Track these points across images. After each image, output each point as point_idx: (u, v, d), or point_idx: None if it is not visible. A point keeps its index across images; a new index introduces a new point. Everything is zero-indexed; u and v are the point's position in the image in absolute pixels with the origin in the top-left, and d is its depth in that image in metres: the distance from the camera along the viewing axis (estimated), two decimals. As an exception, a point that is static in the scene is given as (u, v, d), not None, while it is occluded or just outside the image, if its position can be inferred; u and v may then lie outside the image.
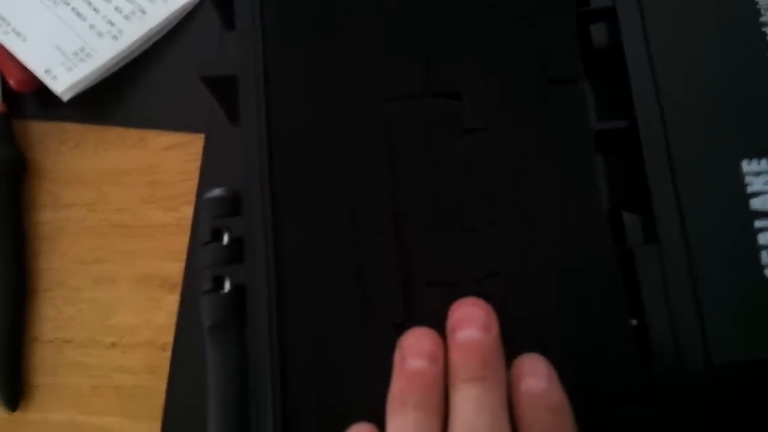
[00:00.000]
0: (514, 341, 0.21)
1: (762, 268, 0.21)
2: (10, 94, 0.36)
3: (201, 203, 0.25)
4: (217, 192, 0.25)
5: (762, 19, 0.23)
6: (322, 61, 0.23)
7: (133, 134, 0.37)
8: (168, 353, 0.34)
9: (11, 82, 0.35)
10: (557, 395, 0.20)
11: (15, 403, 0.34)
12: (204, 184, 0.35)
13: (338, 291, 0.21)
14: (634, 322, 0.22)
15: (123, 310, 0.34)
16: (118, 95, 0.37)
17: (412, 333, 0.21)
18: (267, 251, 0.22)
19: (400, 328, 0.21)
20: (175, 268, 0.34)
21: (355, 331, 0.21)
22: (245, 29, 0.23)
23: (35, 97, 0.37)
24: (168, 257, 0.35)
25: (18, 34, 0.35)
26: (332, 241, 0.22)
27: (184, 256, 0.35)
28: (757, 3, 0.23)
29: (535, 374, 0.20)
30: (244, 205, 0.23)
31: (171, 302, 0.34)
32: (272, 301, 0.22)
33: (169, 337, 0.34)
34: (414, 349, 0.20)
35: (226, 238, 0.25)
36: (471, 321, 0.20)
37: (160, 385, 0.33)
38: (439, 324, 0.21)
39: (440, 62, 0.23)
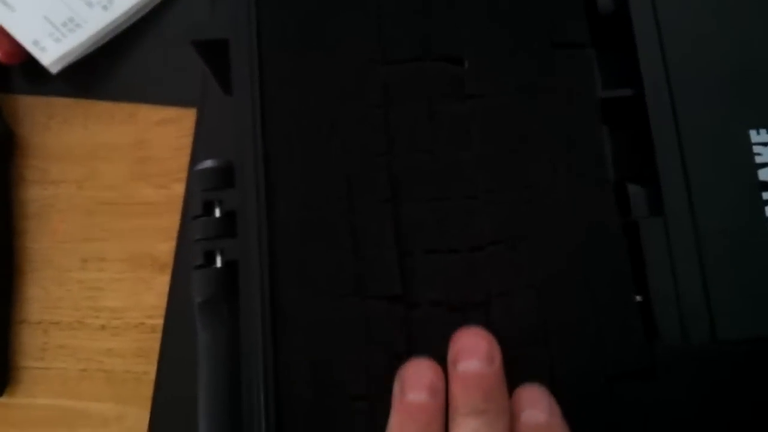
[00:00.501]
0: (515, 317, 0.21)
1: (769, 240, 0.22)
2: (-3, 68, 0.37)
3: (192, 175, 0.26)
4: (208, 163, 0.26)
5: (774, -16, 0.24)
6: (317, 22, 0.24)
7: (123, 109, 0.37)
8: (158, 335, 0.34)
9: (0, 55, 0.36)
10: (558, 426, 0.20)
11: (2, 387, 0.34)
12: (196, 160, 0.36)
13: (334, 263, 0.22)
14: (639, 297, 0.22)
15: (112, 291, 0.35)
16: (108, 68, 0.38)
17: (412, 364, 0.21)
18: (260, 225, 0.23)
19: (398, 301, 0.21)
20: (166, 248, 0.35)
21: (352, 303, 0.21)
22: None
23: (23, 70, 0.38)
24: (159, 236, 0.35)
25: (6, 3, 0.36)
26: (327, 211, 0.22)
27: (175, 235, 0.35)
28: (769, -32, 0.24)
29: (536, 406, 0.20)
30: (236, 176, 0.24)
31: (161, 283, 0.35)
32: (265, 278, 0.22)
33: (159, 320, 0.35)
34: (414, 382, 0.20)
35: (218, 212, 0.25)
36: (473, 352, 0.20)
37: (150, 369, 0.34)
38: (436, 294, 0.21)
39: (441, 25, 0.23)
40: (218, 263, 0.25)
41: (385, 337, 0.21)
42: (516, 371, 0.21)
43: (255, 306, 0.22)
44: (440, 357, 0.21)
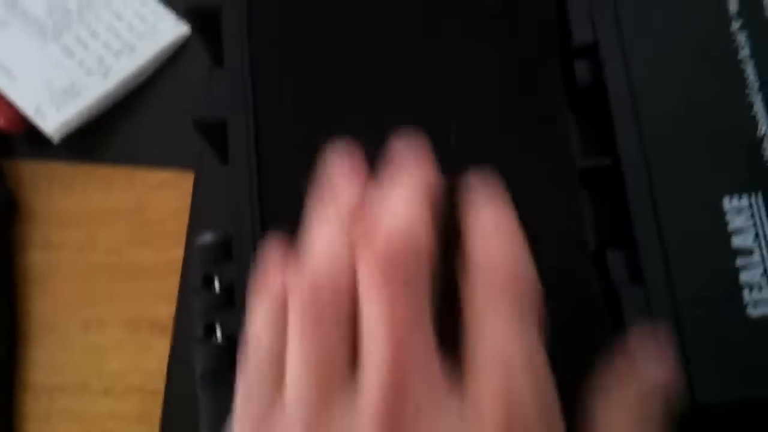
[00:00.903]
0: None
1: (744, 305, 0.24)
2: (-1, 135, 0.40)
3: (192, 249, 0.28)
4: (207, 237, 0.28)
5: (741, 54, 0.26)
6: (311, 103, 0.26)
7: (121, 173, 0.40)
8: (160, 399, 0.36)
9: (2, 123, 0.39)
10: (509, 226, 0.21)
11: (6, 452, 0.37)
12: (194, 223, 0.38)
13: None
14: (621, 361, 0.24)
15: (114, 354, 0.37)
16: (107, 132, 0.40)
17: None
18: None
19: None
20: (166, 311, 0.37)
21: None
22: (234, 70, 0.26)
23: (24, 136, 0.40)
24: (158, 299, 0.38)
25: (7, 72, 0.38)
26: None
27: (174, 299, 0.38)
28: (736, 41, 0.26)
29: (487, 207, 0.21)
30: (234, 251, 0.26)
31: (162, 346, 0.37)
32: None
33: (160, 383, 0.37)
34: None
35: (217, 285, 0.28)
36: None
37: (153, 431, 0.36)
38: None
39: (425, 99, 0.26)
40: (218, 336, 0.27)
41: None
42: None
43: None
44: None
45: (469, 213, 0.21)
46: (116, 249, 0.39)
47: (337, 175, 0.22)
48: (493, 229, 0.20)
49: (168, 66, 0.41)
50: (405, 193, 0.20)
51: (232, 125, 0.27)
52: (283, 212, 0.26)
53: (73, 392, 0.37)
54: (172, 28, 0.40)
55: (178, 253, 0.38)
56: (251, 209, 0.26)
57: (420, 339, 0.18)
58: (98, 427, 0.36)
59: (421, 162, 0.21)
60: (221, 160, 0.31)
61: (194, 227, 0.38)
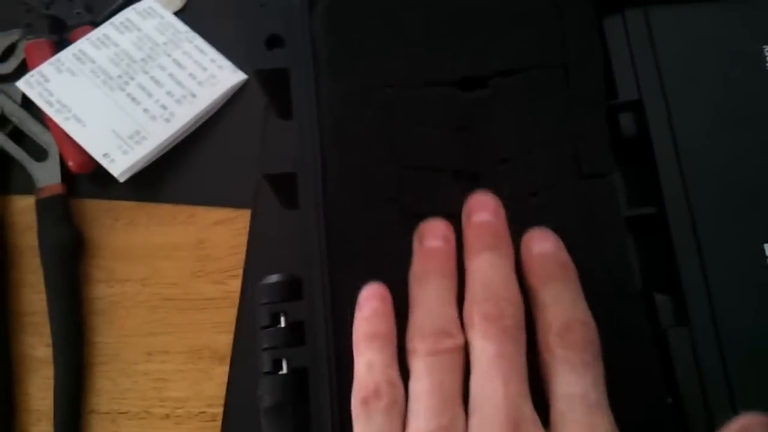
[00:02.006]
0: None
1: (787, 347, 0.24)
2: (68, 176, 0.41)
3: (258, 288, 0.29)
4: (274, 278, 0.29)
5: (779, 111, 0.27)
6: (372, 166, 0.27)
7: (183, 210, 0.41)
8: (218, 423, 0.37)
9: (70, 164, 0.40)
10: (564, 255, 0.25)
11: (73, 475, 0.37)
12: (251, 257, 0.39)
13: None
14: (670, 400, 0.25)
15: (175, 381, 0.38)
16: (169, 173, 0.41)
17: (427, 221, 0.25)
18: (328, 335, 0.26)
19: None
20: (224, 340, 0.38)
21: None
22: (304, 127, 0.27)
23: (90, 177, 0.41)
24: (217, 329, 0.38)
25: (78, 119, 0.39)
26: None
27: (232, 328, 0.38)
28: (774, 97, 0.27)
29: (545, 240, 0.25)
30: (305, 290, 0.27)
31: (221, 373, 0.38)
32: (333, 384, 0.25)
33: (219, 408, 0.37)
34: (430, 232, 0.25)
35: (283, 322, 0.28)
36: (484, 206, 0.25)
37: (212, 455, 0.37)
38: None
39: (483, 172, 0.27)
40: (284, 370, 0.27)
41: None
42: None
43: (326, 412, 0.25)
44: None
45: (541, 282, 0.24)
46: (178, 282, 0.39)
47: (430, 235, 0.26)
48: (563, 294, 0.24)
49: (226, 109, 0.42)
50: (494, 260, 0.24)
51: (302, 177, 0.27)
52: (347, 255, 0.27)
53: (137, 418, 0.38)
54: (230, 76, 0.42)
55: (235, 285, 0.39)
56: (320, 253, 0.27)
57: (520, 379, 0.23)
58: (160, 451, 0.37)
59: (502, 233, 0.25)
60: (286, 205, 0.32)
61: (251, 262, 0.39)
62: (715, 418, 0.24)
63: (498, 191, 0.26)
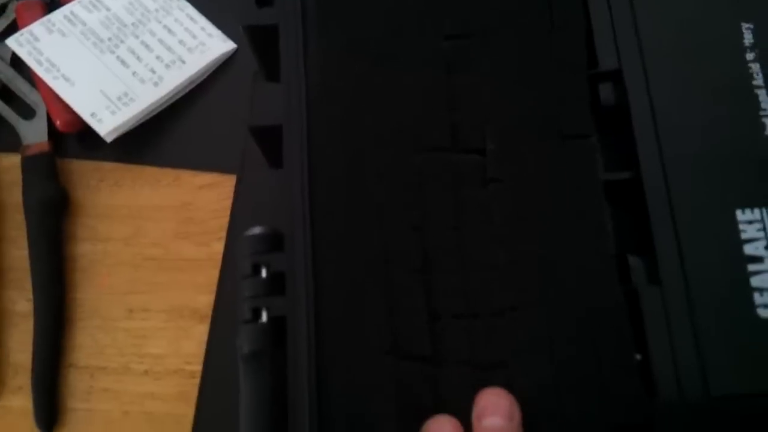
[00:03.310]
0: (531, 375, 0.23)
1: (755, 307, 0.24)
2: (54, 135, 0.39)
3: (241, 240, 0.28)
4: (257, 230, 0.28)
5: (754, 82, 0.26)
6: (359, 114, 0.26)
7: (168, 173, 0.40)
8: (197, 381, 0.36)
9: (57, 123, 0.39)
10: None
11: (50, 427, 0.36)
12: (235, 222, 0.38)
13: (372, 325, 0.24)
14: (639, 356, 0.24)
15: (155, 339, 0.37)
16: (156, 137, 0.40)
17: (434, 419, 0.22)
18: (308, 285, 0.25)
19: (428, 361, 0.23)
20: (206, 300, 0.37)
21: (387, 362, 0.23)
22: (291, 82, 0.26)
23: (77, 137, 0.40)
24: (199, 289, 0.37)
25: (66, 79, 0.38)
26: (366, 278, 0.24)
27: (214, 289, 0.37)
28: (750, 68, 0.26)
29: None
30: (286, 242, 0.26)
31: (201, 332, 0.37)
32: (311, 333, 0.24)
33: (198, 366, 0.36)
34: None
35: (264, 273, 0.27)
36: (496, 409, 0.22)
37: (189, 411, 0.35)
38: (461, 355, 0.23)
39: (466, 119, 0.26)
40: (264, 319, 0.27)
41: (415, 395, 0.23)
42: (531, 422, 0.23)
43: (302, 359, 0.24)
44: (464, 413, 0.23)
45: None
46: (161, 243, 0.38)
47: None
48: None
49: (215, 77, 0.41)
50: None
51: (287, 130, 0.27)
52: (330, 209, 0.26)
53: (115, 373, 0.37)
54: (219, 44, 0.40)
55: (218, 248, 0.38)
56: (303, 206, 0.26)
57: None
58: (137, 406, 0.36)
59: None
60: (270, 163, 0.31)
61: (235, 225, 0.38)
62: (682, 376, 0.23)
63: (479, 141, 0.25)
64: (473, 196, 0.25)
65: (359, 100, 0.26)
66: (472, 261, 0.24)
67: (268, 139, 0.28)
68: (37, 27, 0.39)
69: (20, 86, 0.40)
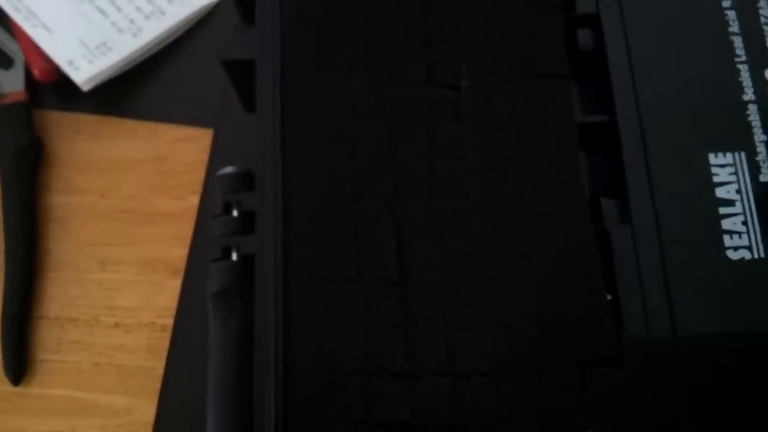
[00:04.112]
0: (497, 303, 0.23)
1: (725, 249, 0.24)
2: (31, 84, 0.39)
3: (213, 180, 0.28)
4: (229, 169, 0.28)
5: (730, 29, 0.26)
6: (334, 49, 0.26)
7: (145, 126, 0.39)
8: (168, 334, 0.36)
9: (35, 72, 0.38)
10: None
11: (19, 378, 0.35)
12: (211, 176, 0.38)
13: (340, 255, 0.24)
14: (609, 296, 0.24)
15: (127, 292, 0.37)
16: (134, 89, 0.40)
17: None
18: (277, 223, 0.25)
19: (395, 286, 0.23)
20: (180, 254, 0.37)
21: (353, 290, 0.23)
22: (265, 18, 0.26)
23: (54, 88, 0.39)
24: (173, 243, 0.37)
25: (45, 27, 0.38)
26: (335, 210, 0.24)
27: (188, 242, 0.37)
28: (726, 15, 0.26)
29: None
30: (257, 180, 0.26)
31: (173, 286, 0.36)
32: (279, 269, 0.24)
33: (169, 320, 0.36)
34: None
35: (235, 212, 0.27)
36: None
37: (159, 365, 0.35)
38: (430, 278, 0.23)
39: (441, 56, 0.26)
40: (234, 258, 0.26)
41: (383, 317, 0.23)
42: (502, 358, 0.23)
43: (269, 294, 0.24)
44: (433, 329, 0.23)
45: None
46: (137, 195, 0.38)
47: None
48: None
49: (195, 30, 0.40)
50: None
51: (260, 65, 0.26)
52: (302, 144, 0.26)
53: (85, 325, 0.36)
54: (200, -3, 0.40)
55: (194, 201, 0.37)
56: (274, 144, 0.26)
57: None
58: (107, 358, 0.36)
59: None
60: (244, 103, 0.31)
61: (211, 179, 0.38)
62: (650, 314, 0.23)
63: (453, 78, 0.25)
64: (446, 131, 0.25)
65: (333, 31, 0.26)
66: (443, 192, 0.24)
67: (241, 77, 0.27)
68: (16, -25, 0.39)
69: (-2, 35, 0.40)
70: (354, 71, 0.26)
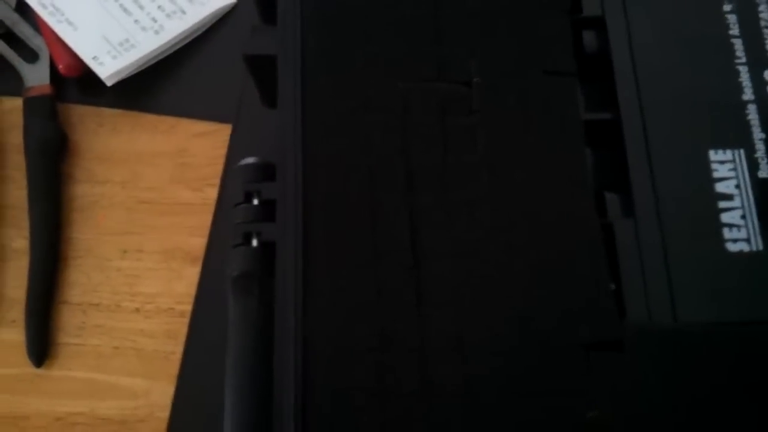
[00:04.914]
0: (506, 289, 0.24)
1: (724, 241, 0.25)
2: (57, 79, 0.40)
3: (234, 170, 0.29)
4: (250, 160, 0.29)
5: (730, 32, 0.27)
6: (352, 47, 0.27)
7: (166, 121, 0.41)
8: (186, 320, 0.37)
9: (60, 66, 0.40)
10: None
11: (41, 360, 0.37)
12: (229, 169, 0.39)
13: (355, 241, 0.25)
14: (613, 287, 0.25)
15: (147, 278, 0.38)
16: (155, 85, 0.41)
17: None
18: (297, 211, 0.26)
19: (410, 270, 0.24)
20: (198, 243, 0.38)
21: (368, 274, 0.24)
22: (286, 17, 0.28)
23: (78, 83, 0.41)
24: (192, 233, 0.38)
25: (70, 23, 0.39)
26: (352, 201, 0.26)
27: (207, 233, 0.38)
28: (726, 19, 0.27)
29: None
30: (278, 171, 0.27)
31: (192, 274, 0.38)
32: (299, 253, 0.25)
33: (188, 306, 0.37)
34: None
35: (256, 201, 0.28)
36: None
37: (178, 349, 0.36)
38: (442, 263, 0.24)
39: (453, 53, 0.27)
40: (254, 244, 0.28)
41: (397, 297, 0.24)
42: (508, 338, 0.24)
43: (289, 277, 0.25)
44: (446, 307, 0.24)
45: None
46: (157, 187, 0.39)
47: None
48: None
49: (215, 29, 0.42)
50: None
51: (282, 62, 0.28)
52: (321, 141, 0.27)
53: (107, 310, 0.38)
54: (220, -3, 0.42)
55: (212, 193, 0.39)
56: (295, 137, 0.27)
57: None
58: (128, 341, 0.37)
59: None
60: (263, 99, 0.32)
61: (229, 172, 0.39)
62: (651, 302, 0.25)
63: (465, 75, 0.26)
64: (458, 124, 0.26)
65: (350, 29, 0.27)
66: (455, 183, 0.25)
67: (263, 72, 0.29)
68: (43, -27, 0.40)
69: (24, 30, 0.41)
70: (369, 67, 0.27)
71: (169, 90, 0.41)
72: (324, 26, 0.28)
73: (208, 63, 0.41)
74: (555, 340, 0.24)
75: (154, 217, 0.39)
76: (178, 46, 0.41)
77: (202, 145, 0.40)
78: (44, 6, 0.39)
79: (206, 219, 0.38)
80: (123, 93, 0.40)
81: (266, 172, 0.29)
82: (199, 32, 0.41)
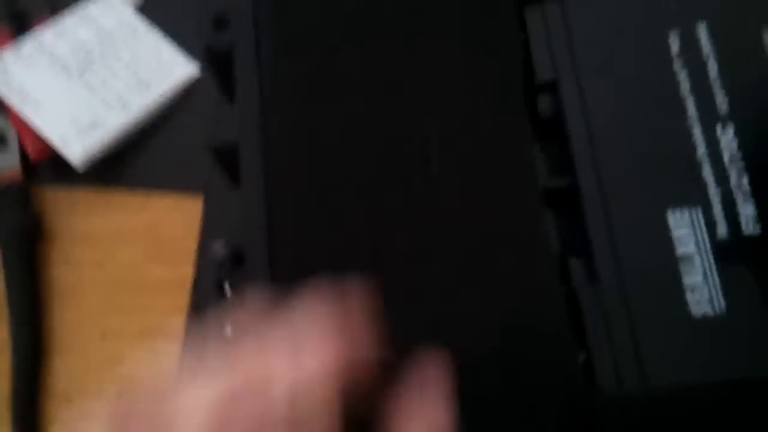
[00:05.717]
0: (478, 362, 0.25)
1: (687, 306, 0.26)
2: (26, 162, 0.41)
3: (204, 255, 0.30)
4: (218, 248, 0.30)
5: (681, 89, 0.28)
6: (315, 130, 0.28)
7: (137, 197, 0.41)
8: (170, 399, 0.38)
9: (29, 151, 0.40)
10: None
11: (29, 450, 0.37)
12: (203, 240, 0.40)
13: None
14: (583, 357, 0.26)
15: (129, 361, 0.39)
16: (125, 160, 0.42)
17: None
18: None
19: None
20: (176, 321, 0.39)
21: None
22: (246, 104, 0.29)
23: (49, 163, 0.42)
24: (170, 312, 0.39)
25: (37, 106, 0.40)
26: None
27: (184, 311, 0.39)
28: (677, 78, 0.28)
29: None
30: (247, 256, 0.28)
31: (172, 352, 0.38)
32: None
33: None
34: None
35: (228, 291, 0.29)
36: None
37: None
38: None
39: (411, 115, 0.29)
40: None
41: None
42: (473, 414, 0.25)
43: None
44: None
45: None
46: (133, 266, 0.40)
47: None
48: None
49: (180, 102, 0.43)
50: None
51: (244, 147, 0.29)
52: (288, 223, 0.28)
53: (92, 397, 0.38)
54: (183, 68, 0.43)
55: (188, 269, 0.39)
56: (258, 219, 0.28)
57: None
58: (114, 426, 0.38)
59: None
60: (231, 180, 0.33)
61: (203, 244, 0.40)
62: (620, 369, 0.25)
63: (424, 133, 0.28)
64: (420, 185, 0.27)
65: (312, 104, 0.29)
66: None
67: (228, 158, 0.30)
68: (6, 54, 0.41)
69: (-10, 116, 0.42)
70: (331, 149, 0.28)
71: (140, 163, 0.42)
72: (285, 103, 0.29)
73: (175, 135, 0.42)
74: (518, 417, 0.25)
75: (132, 297, 0.40)
76: (145, 122, 0.42)
77: (175, 219, 0.41)
78: (9, 89, 0.40)
79: (183, 297, 0.39)
80: (94, 170, 0.41)
81: (235, 257, 0.29)
82: (165, 105, 0.42)
